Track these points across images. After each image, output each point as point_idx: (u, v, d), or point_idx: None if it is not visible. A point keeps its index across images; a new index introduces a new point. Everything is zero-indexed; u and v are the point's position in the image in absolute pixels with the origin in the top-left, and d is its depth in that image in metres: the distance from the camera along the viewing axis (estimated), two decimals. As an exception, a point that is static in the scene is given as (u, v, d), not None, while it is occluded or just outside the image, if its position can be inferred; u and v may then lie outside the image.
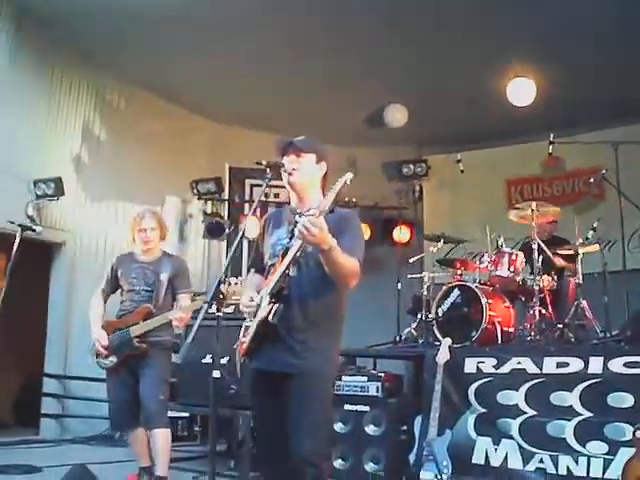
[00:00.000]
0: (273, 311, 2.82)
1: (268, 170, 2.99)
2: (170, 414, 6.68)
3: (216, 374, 2.86)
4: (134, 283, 4.72)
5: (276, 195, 9.23)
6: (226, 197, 8.76)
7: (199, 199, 8.48)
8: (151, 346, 4.53)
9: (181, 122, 8.59)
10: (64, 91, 7.70)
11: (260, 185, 9.09)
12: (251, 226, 8.12)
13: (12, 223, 4.45)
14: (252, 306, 2.96)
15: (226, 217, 8.69)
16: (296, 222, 2.84)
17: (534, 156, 7.44)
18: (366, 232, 8.30)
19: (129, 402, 4.61)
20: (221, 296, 2.82)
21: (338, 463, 5.58)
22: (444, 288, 6.25)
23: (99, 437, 6.97)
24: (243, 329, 3.03)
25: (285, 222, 3.12)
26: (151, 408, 4.51)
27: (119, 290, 4.87)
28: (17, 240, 4.36)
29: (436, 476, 5.09)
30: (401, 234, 8.29)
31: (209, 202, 8.70)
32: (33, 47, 7.30)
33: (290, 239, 2.93)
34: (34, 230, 4.55)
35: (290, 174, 3.04)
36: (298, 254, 2.87)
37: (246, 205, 8.88)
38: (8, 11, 6.98)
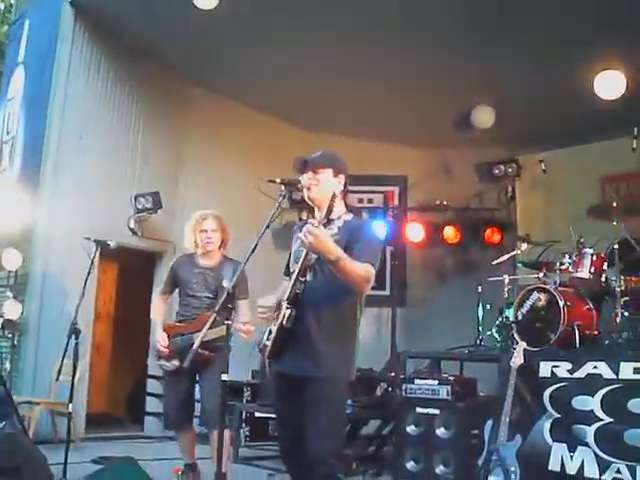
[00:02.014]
0: (286, 316, 2.97)
1: (283, 187, 3.12)
2: (260, 415, 7.05)
3: (225, 377, 3.02)
4: (195, 289, 4.83)
5: (370, 200, 9.37)
6: (319, 204, 8.93)
7: (292, 207, 8.71)
8: (212, 351, 4.54)
9: (272, 132, 8.89)
10: (157, 107, 8.23)
11: (354, 191, 9.21)
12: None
13: (88, 239, 4.80)
14: (265, 307, 3.12)
15: (320, 223, 8.86)
16: None
17: (629, 151, 7.10)
18: (455, 235, 8.27)
19: (185, 403, 4.84)
20: (230, 306, 2.98)
21: (410, 465, 5.65)
22: (523, 291, 6.13)
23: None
24: (267, 333, 3.17)
25: None
26: (212, 410, 4.59)
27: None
28: (95, 255, 4.70)
29: (501, 482, 5.04)
30: (493, 236, 8.17)
31: (304, 210, 8.88)
32: (126, 66, 7.91)
33: None
34: (109, 245, 4.88)
35: (308, 189, 3.17)
36: (312, 261, 3.01)
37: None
38: (98, 34, 7.62)
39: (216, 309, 3.05)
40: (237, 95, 8.63)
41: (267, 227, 3.08)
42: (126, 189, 7.84)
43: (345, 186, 3.27)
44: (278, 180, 3.13)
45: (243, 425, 7.07)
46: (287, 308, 2.98)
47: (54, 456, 4.58)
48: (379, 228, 7.82)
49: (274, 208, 3.07)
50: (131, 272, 8.78)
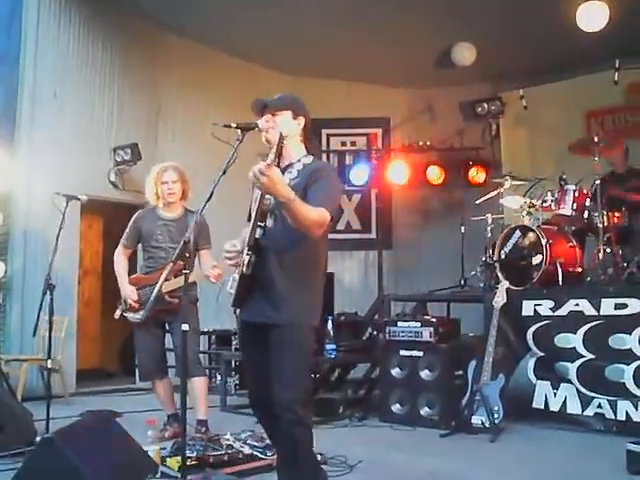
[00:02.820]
0: (246, 262, 2.90)
1: (239, 132, 3.01)
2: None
3: (185, 327, 3.00)
4: (160, 240, 4.86)
5: (353, 143, 9.26)
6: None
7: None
8: (181, 300, 4.57)
9: (252, 78, 8.68)
10: (133, 57, 8.06)
11: (336, 134, 9.14)
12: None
13: (58, 194, 4.75)
14: (232, 251, 3.07)
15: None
16: None
17: (612, 85, 6.97)
18: (440, 175, 8.20)
19: (158, 353, 4.91)
20: (187, 255, 2.94)
21: (395, 407, 5.72)
22: (506, 230, 6.11)
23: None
24: (230, 281, 3.12)
25: None
26: (188, 359, 4.73)
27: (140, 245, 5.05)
28: (64, 210, 4.66)
29: (483, 421, 5.10)
30: (477, 175, 8.08)
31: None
32: (98, 16, 7.71)
33: None
34: (79, 199, 4.83)
35: (267, 132, 3.09)
36: (271, 206, 2.93)
37: (323, 155, 8.93)
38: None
39: (172, 259, 3.03)
40: (214, 42, 8.42)
41: (223, 173, 3.00)
42: (104, 142, 7.75)
43: (305, 129, 3.18)
44: (234, 125, 2.99)
45: (232, 373, 7.13)
46: (247, 254, 2.91)
47: (44, 412, 4.59)
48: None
49: (230, 154, 2.96)
50: (116, 226, 8.69)
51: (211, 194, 3.01)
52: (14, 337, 6.86)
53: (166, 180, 4.86)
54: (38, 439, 4.24)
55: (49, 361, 4.56)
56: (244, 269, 2.90)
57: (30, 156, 7.10)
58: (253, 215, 2.94)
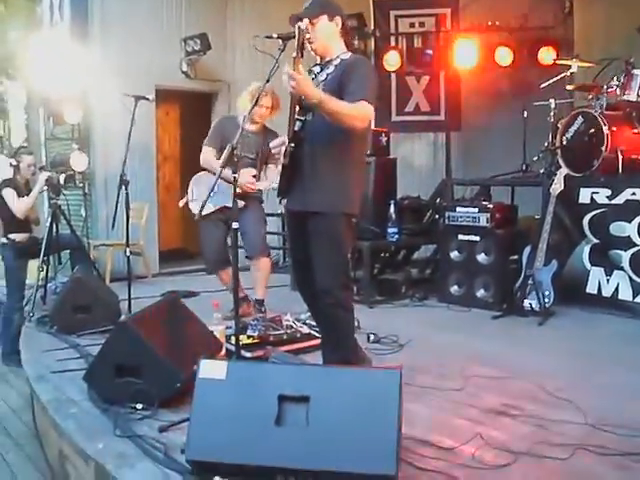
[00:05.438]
0: (283, 153, 3.19)
1: (281, 42, 3.17)
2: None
3: (235, 225, 3.29)
4: (237, 148, 5.09)
5: (421, 24, 9.06)
6: (370, 31, 8.78)
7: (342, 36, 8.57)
8: (248, 199, 5.08)
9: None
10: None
11: (404, 16, 8.94)
12: (393, 58, 8.27)
13: (126, 95, 5.01)
14: (277, 145, 3.32)
15: (372, 51, 8.77)
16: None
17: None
18: (508, 56, 7.97)
19: (223, 244, 5.24)
20: (235, 159, 3.20)
21: (453, 289, 6.01)
22: (569, 116, 6.03)
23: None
24: (277, 175, 3.37)
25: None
26: (256, 240, 5.13)
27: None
28: (133, 110, 4.93)
29: (534, 305, 5.33)
30: (547, 56, 7.81)
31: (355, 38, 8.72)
32: None
33: None
34: (147, 99, 5.07)
35: (310, 43, 3.23)
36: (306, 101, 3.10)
37: (392, 37, 8.82)
38: None
39: (221, 164, 3.30)
40: None
41: (267, 81, 3.22)
42: (175, 33, 7.93)
43: (344, 27, 3.32)
44: (275, 35, 3.16)
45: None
46: (288, 146, 3.17)
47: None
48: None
49: (273, 64, 3.11)
50: (191, 112, 9.06)
51: (255, 102, 3.25)
52: (101, 224, 7.44)
53: (263, 105, 5.06)
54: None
55: (127, 249, 5.00)
56: (283, 159, 3.18)
57: (103, 51, 7.39)
58: (290, 110, 3.15)
